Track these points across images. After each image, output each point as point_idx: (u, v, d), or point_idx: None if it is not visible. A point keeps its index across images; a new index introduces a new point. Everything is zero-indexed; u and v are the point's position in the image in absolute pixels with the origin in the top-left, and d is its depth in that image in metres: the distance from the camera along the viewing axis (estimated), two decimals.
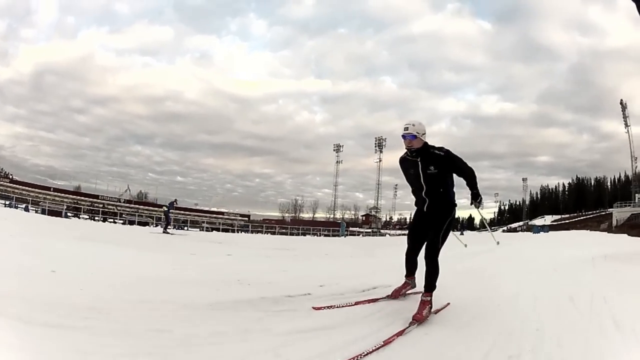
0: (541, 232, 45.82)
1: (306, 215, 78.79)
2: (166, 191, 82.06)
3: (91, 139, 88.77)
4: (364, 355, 3.24)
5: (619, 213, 54.10)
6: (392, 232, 61.66)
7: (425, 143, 4.48)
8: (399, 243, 6.96)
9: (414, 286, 4.91)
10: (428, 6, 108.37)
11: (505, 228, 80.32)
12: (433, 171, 4.41)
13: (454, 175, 4.59)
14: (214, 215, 64.12)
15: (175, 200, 24.24)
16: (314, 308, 4.34)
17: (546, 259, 10.87)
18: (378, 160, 70.48)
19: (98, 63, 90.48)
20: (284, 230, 49.61)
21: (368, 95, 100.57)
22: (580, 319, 4.32)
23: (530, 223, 76.76)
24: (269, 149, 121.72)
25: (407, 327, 3.93)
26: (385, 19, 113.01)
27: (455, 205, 4.61)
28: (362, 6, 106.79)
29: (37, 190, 57.01)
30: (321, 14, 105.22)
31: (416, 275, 4.84)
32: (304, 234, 46.52)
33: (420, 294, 4.37)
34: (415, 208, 4.73)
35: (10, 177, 61.06)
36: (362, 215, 77.54)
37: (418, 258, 4.73)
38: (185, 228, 40.57)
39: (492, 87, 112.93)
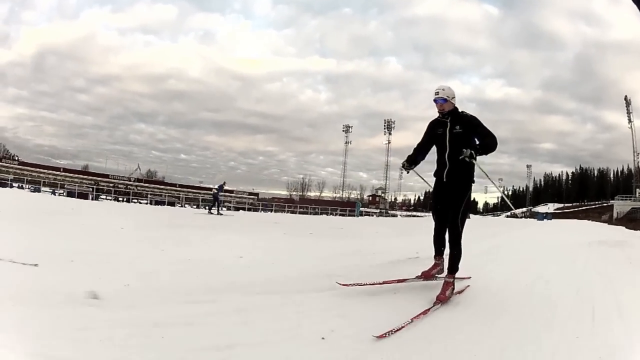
0: (544, 220, 48.39)
1: (312, 194, 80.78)
2: (174, 169, 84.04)
3: (93, 118, 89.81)
4: (394, 332, 3.62)
5: (620, 206, 56.61)
6: (400, 212, 63.98)
7: (456, 107, 4.88)
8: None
9: (443, 269, 5.06)
10: None
11: (508, 214, 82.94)
12: (458, 130, 4.73)
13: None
14: (225, 194, 65.45)
15: (224, 183, 26.20)
16: (340, 284, 4.73)
17: (553, 242, 13.46)
18: (387, 142, 72.37)
19: (100, 43, 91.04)
20: (294, 210, 51.21)
21: (372, 75, 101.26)
22: (577, 274, 6.95)
23: (533, 210, 79.80)
24: (272, 127, 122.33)
25: (431, 307, 4.31)
26: (389, 0, 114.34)
27: (473, 181, 4.88)
28: None
29: (46, 171, 58.65)
30: None
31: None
32: (318, 214, 48.37)
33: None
34: (434, 179, 4.98)
35: (17, 158, 62.25)
36: (369, 196, 79.73)
37: (446, 236, 4.91)
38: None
39: (496, 71, 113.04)
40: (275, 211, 47.41)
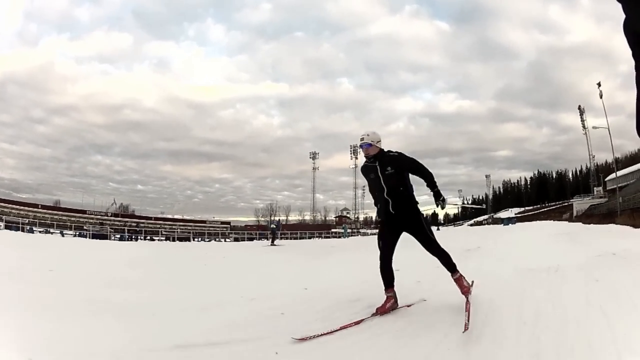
0: (509, 224, 53.83)
1: (279, 218, 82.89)
2: (132, 200, 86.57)
3: (52, 150, 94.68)
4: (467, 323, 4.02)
5: (579, 204, 62.69)
6: (370, 231, 67.97)
7: (381, 149, 5.17)
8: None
9: (396, 300, 5.10)
10: (385, 8, 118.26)
11: (472, 222, 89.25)
12: (390, 171, 5.00)
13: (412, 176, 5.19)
14: (198, 225, 68.81)
15: (279, 220, 30.47)
16: (296, 339, 3.86)
17: (524, 241, 18.21)
18: (354, 166, 77.42)
19: (58, 71, 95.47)
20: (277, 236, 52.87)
21: (325, 97, 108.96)
22: (541, 252, 11.40)
23: (495, 216, 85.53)
24: (227, 154, 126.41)
25: (467, 302, 4.72)
26: (341, 23, 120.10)
27: (417, 202, 5.17)
28: (319, 11, 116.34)
29: (25, 208, 60.06)
30: (278, 18, 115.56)
31: (396, 286, 5.10)
32: (305, 238, 51.30)
33: (451, 277, 5.04)
34: (382, 214, 5.14)
35: None
36: (336, 217, 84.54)
37: (392, 266, 5.09)
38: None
39: (449, 85, 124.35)
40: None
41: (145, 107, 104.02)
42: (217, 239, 47.94)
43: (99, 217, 65.32)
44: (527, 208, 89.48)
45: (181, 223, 68.59)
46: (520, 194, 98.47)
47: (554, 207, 79.83)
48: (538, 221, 51.45)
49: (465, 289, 4.99)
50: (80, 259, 12.60)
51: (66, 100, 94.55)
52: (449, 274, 5.06)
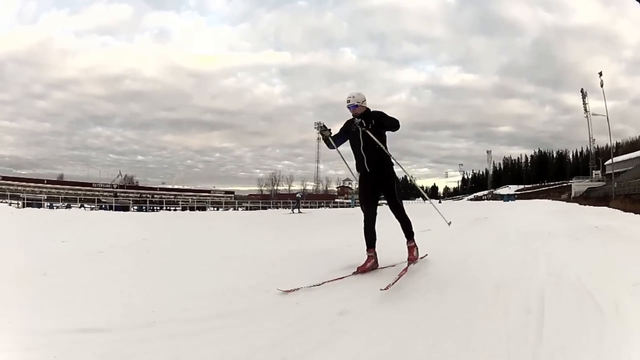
0: (509, 201, 56.57)
1: (281, 188, 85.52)
2: (132, 172, 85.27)
3: (52, 124, 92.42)
4: (392, 285, 4.44)
5: (577, 186, 65.31)
6: None
7: (367, 108, 5.71)
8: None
9: (376, 262, 5.58)
10: None
11: (472, 196, 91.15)
12: (370, 126, 5.53)
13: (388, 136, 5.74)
14: (203, 194, 70.42)
15: (305, 190, 33.23)
16: (282, 290, 4.49)
17: (524, 214, 20.88)
18: None
19: (57, 46, 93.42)
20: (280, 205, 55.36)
21: (327, 66, 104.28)
22: (540, 225, 14.00)
23: (495, 192, 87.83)
24: (228, 123, 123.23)
25: (407, 267, 5.33)
26: None
27: (392, 163, 5.74)
28: None
29: (31, 184, 60.82)
30: None
31: (377, 247, 5.59)
32: (316, 207, 53.40)
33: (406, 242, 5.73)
34: (358, 173, 5.79)
35: None
36: (338, 187, 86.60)
37: (376, 227, 5.58)
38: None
39: (452, 58, 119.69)
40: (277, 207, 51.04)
41: (146, 76, 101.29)
42: (234, 208, 50.29)
43: (106, 189, 66.52)
44: (526, 186, 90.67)
45: (186, 193, 69.96)
46: (520, 172, 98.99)
47: (553, 186, 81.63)
48: (537, 199, 53.51)
49: (412, 257, 5.60)
50: (162, 229, 14.34)
51: (66, 74, 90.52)
52: (405, 237, 5.72)
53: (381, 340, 3.30)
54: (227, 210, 46.76)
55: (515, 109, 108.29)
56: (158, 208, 43.89)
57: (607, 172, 61.48)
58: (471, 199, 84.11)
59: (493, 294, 4.40)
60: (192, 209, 45.23)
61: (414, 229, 5.74)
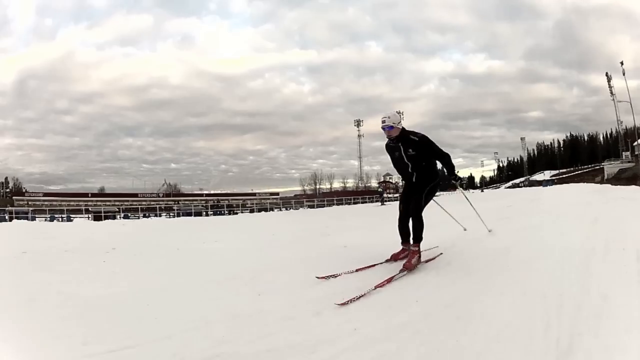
0: (548, 185, 60.88)
1: (323, 187, 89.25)
2: (182, 180, 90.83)
3: (81, 138, 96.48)
4: (357, 299, 4.53)
5: (609, 168, 69.06)
6: None
7: (403, 129, 5.84)
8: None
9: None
10: None
11: (509, 184, 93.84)
12: (412, 153, 5.74)
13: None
14: (249, 197, 73.79)
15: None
16: (317, 277, 5.50)
17: (566, 195, 26.28)
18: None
19: (79, 60, 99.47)
20: (331, 203, 55.68)
21: (354, 61, 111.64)
22: (584, 203, 19.64)
23: (531, 179, 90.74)
24: (259, 124, 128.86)
25: (396, 274, 5.29)
26: None
27: (439, 174, 6.03)
28: None
29: (76, 199, 64.56)
30: None
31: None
32: (359, 203, 55.30)
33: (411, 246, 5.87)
34: (404, 181, 6.20)
35: (25, 190, 67.64)
36: (379, 182, 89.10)
37: (409, 224, 5.93)
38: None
39: (478, 46, 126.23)
40: (327, 206, 51.56)
41: (173, 84, 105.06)
42: (295, 208, 53.35)
43: (152, 198, 69.88)
44: (561, 170, 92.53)
45: (232, 197, 72.34)
46: (554, 157, 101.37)
47: (586, 170, 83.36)
48: (572, 183, 56.45)
49: (409, 265, 5.51)
50: (269, 230, 14.85)
51: (90, 87, 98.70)
52: (411, 239, 5.89)
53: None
54: (297, 209, 49.19)
55: (543, 93, 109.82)
56: (237, 212, 46.42)
57: (636, 153, 65.05)
58: (509, 187, 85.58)
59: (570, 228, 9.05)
60: (259, 210, 47.69)
61: (424, 234, 5.83)
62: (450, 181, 6.38)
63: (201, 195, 76.68)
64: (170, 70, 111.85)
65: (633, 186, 32.21)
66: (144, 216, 44.64)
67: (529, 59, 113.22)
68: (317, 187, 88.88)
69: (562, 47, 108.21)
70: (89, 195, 68.16)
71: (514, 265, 5.57)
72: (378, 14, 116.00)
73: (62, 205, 54.55)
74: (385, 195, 49.91)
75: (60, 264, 7.34)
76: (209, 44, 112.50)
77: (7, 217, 33.70)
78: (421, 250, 5.82)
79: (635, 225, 8.08)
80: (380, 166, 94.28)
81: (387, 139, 5.99)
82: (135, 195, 71.73)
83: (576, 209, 13.21)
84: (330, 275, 5.50)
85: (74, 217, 38.88)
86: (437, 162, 6.03)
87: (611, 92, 70.06)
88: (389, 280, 5.06)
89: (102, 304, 4.89)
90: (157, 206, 54.66)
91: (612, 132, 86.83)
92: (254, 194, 76.49)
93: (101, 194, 72.27)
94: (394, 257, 6.03)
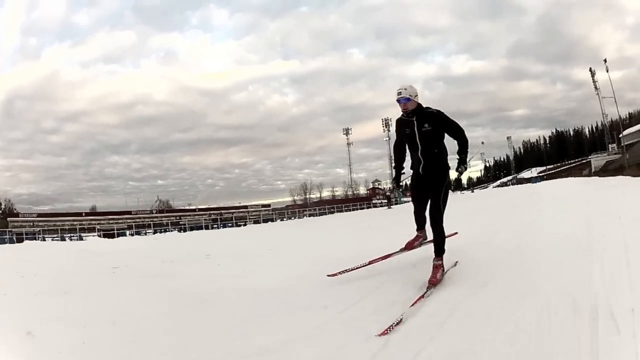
0: (537, 182, 62.82)
1: (312, 196, 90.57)
2: (152, 197, 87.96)
3: (68, 158, 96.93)
4: (395, 325, 3.99)
5: (596, 161, 71.52)
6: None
7: (419, 104, 5.37)
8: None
9: (425, 237, 5.88)
10: None
11: (497, 183, 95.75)
12: (427, 128, 5.24)
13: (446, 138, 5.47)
14: (242, 210, 74.51)
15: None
16: (328, 276, 5.62)
17: (557, 188, 28.37)
18: (387, 138, 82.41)
19: (64, 79, 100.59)
20: (324, 212, 56.93)
21: (337, 69, 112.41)
22: (574, 193, 21.67)
23: (518, 177, 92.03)
24: (244, 137, 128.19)
25: (425, 292, 4.84)
26: None
27: (449, 167, 5.48)
28: None
29: (70, 218, 64.01)
30: None
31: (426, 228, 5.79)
32: (353, 209, 57.45)
33: (432, 259, 5.32)
34: (412, 171, 5.64)
35: (16, 212, 66.76)
36: (368, 189, 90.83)
37: (426, 214, 5.64)
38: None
39: (460, 46, 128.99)
40: (318, 215, 53.19)
41: (157, 100, 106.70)
42: (299, 217, 54.93)
43: (146, 215, 70.05)
44: (548, 167, 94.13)
45: (225, 211, 73.22)
46: (540, 153, 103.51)
47: (573, 164, 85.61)
48: (560, 179, 58.63)
49: (434, 280, 5.09)
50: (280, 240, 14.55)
51: (76, 106, 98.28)
52: (434, 252, 5.33)
53: None
54: (301, 218, 51.13)
55: (527, 90, 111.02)
56: (242, 224, 48.13)
57: (622, 144, 66.52)
58: (497, 186, 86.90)
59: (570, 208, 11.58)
60: (264, 221, 49.29)
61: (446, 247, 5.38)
62: (459, 169, 5.56)
63: (194, 210, 75.76)
64: (155, 86, 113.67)
65: (619, 176, 34.38)
66: (154, 232, 46.34)
67: (511, 57, 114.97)
68: (308, 196, 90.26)
69: (545, 42, 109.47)
70: (83, 214, 68.71)
71: (535, 265, 5.42)
72: (359, 20, 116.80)
73: (56, 225, 56.35)
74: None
75: (190, 269, 8.78)
76: (192, 58, 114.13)
77: (14, 238, 35.06)
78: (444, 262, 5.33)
79: (619, 202, 10.41)
80: (366, 173, 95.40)
81: (400, 113, 5.53)
82: (129, 212, 71.92)
83: (572, 197, 15.39)
84: (343, 271, 5.74)
85: (85, 236, 40.58)
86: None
87: (595, 87, 71.40)
88: (421, 298, 4.70)
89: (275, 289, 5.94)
90: (164, 222, 57.16)
91: (597, 125, 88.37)
92: (246, 207, 77.30)
93: (95, 212, 71.75)
94: (409, 246, 5.93)
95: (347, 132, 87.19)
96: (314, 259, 7.93)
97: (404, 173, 5.88)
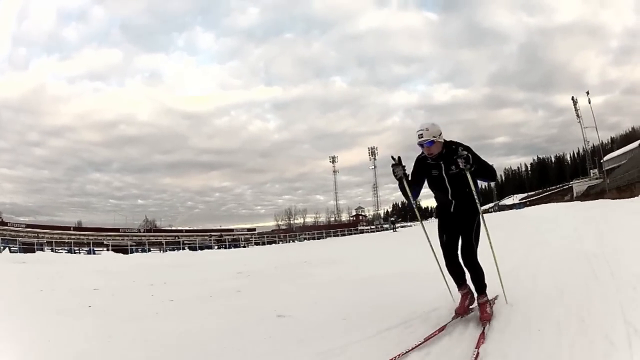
0: (521, 208, 65.07)
1: (299, 221, 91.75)
2: (133, 215, 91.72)
3: (50, 171, 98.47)
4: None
5: (578, 186, 74.52)
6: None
7: (445, 142, 4.84)
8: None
9: (473, 296, 5.13)
10: (372, 1, 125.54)
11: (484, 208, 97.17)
12: (455, 171, 4.75)
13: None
14: (226, 232, 72.82)
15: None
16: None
17: (542, 211, 30.97)
18: (372, 167, 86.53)
19: (50, 93, 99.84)
20: (314, 237, 59.77)
21: (319, 96, 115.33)
22: (559, 216, 24.16)
23: (500, 203, 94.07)
24: (225, 162, 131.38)
25: (484, 329, 4.49)
26: (330, 19, 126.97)
27: (480, 203, 4.92)
28: (306, 9, 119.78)
29: (57, 231, 63.41)
30: (266, 20, 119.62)
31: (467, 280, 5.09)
32: (344, 235, 59.61)
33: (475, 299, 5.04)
34: (439, 211, 5.18)
35: (3, 221, 65.59)
36: (352, 216, 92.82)
37: (461, 262, 4.95)
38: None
39: (442, 75, 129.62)
40: (307, 239, 55.85)
41: (140, 121, 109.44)
42: (302, 240, 56.56)
43: (134, 234, 69.59)
44: (529, 193, 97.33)
45: (211, 233, 72.15)
46: (522, 180, 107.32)
47: (555, 190, 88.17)
48: (542, 204, 61.32)
49: (487, 315, 4.81)
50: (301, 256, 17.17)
51: (61, 121, 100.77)
52: (475, 292, 5.02)
53: None
54: (301, 241, 52.84)
55: (508, 117, 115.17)
56: (244, 245, 50.25)
57: (604, 169, 69.04)
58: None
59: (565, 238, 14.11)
60: (266, 243, 51.65)
61: (486, 281, 4.98)
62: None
63: (180, 231, 76.55)
64: (138, 106, 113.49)
65: (599, 200, 36.97)
66: (163, 250, 47.11)
67: (493, 85, 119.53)
68: (292, 222, 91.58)
69: (527, 70, 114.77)
70: (71, 228, 68.44)
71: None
72: (343, 48, 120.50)
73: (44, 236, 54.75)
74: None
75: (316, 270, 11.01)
76: (176, 80, 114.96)
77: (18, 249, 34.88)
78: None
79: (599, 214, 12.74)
80: (346, 200, 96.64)
81: (422, 155, 5.00)
82: (117, 230, 71.87)
83: (559, 218, 17.89)
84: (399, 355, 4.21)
85: (98, 251, 41.15)
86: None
87: (577, 115, 74.70)
88: (482, 337, 4.31)
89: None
90: (161, 241, 57.05)
91: (579, 150, 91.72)
92: (232, 230, 77.98)
93: (83, 227, 71.30)
94: (461, 312, 5.03)
95: (333, 159, 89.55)
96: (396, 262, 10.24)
97: (404, 174, 5.02)
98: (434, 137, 4.74)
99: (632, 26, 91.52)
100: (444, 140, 4.88)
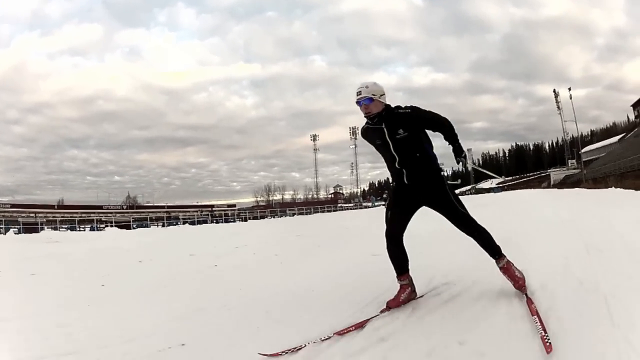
0: (498, 192, 67.18)
1: (276, 198, 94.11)
2: (109, 192, 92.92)
3: (28, 149, 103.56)
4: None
5: (555, 174, 77.82)
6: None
7: (387, 105, 4.27)
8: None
9: (414, 289, 4.43)
10: None
11: (457, 192, 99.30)
12: (403, 134, 4.15)
13: (430, 133, 4.34)
14: (207, 209, 75.89)
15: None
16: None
17: (521, 195, 32.88)
18: (353, 146, 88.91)
19: (31, 70, 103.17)
20: (294, 213, 61.56)
21: (298, 75, 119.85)
22: (534, 201, 26.07)
23: (477, 187, 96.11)
24: (202, 138, 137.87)
25: (528, 300, 3.89)
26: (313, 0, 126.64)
27: (441, 170, 4.39)
28: None
29: (44, 210, 65.41)
30: None
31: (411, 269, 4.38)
32: (328, 211, 59.59)
33: (494, 263, 4.23)
34: (394, 183, 4.41)
35: None
36: (330, 194, 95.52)
37: (405, 246, 4.32)
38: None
39: (423, 59, 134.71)
40: (305, 214, 56.95)
41: (118, 96, 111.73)
42: (292, 215, 58.45)
43: (117, 210, 72.35)
44: (506, 178, 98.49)
45: (192, 209, 75.32)
46: (499, 165, 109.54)
47: (532, 177, 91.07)
48: (519, 190, 62.13)
49: (519, 280, 4.18)
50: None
51: (40, 98, 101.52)
52: (492, 260, 4.28)
53: None
54: (292, 216, 53.76)
55: (487, 104, 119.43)
56: (240, 219, 51.56)
57: (583, 160, 71.34)
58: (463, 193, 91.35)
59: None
60: (255, 218, 53.55)
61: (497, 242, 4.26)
62: (459, 162, 4.43)
63: (163, 207, 77.86)
64: (117, 82, 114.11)
65: (576, 188, 39.23)
66: (163, 225, 48.89)
67: (474, 72, 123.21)
68: (271, 198, 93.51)
69: (509, 60, 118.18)
70: (55, 207, 70.05)
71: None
72: (324, 28, 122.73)
73: (30, 215, 57.51)
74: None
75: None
76: (156, 56, 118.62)
77: (19, 229, 36.40)
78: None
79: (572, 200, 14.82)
80: (322, 178, 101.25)
81: (365, 122, 4.40)
82: (100, 207, 74.04)
83: (535, 202, 19.77)
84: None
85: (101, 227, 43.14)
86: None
87: (558, 107, 77.48)
88: (530, 301, 3.90)
89: None
90: (150, 217, 59.44)
91: (558, 140, 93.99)
92: (212, 206, 79.39)
93: (67, 205, 73.43)
94: (393, 305, 4.27)
95: (314, 138, 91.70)
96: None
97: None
98: (373, 95, 4.20)
99: (621, 26, 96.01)
100: (386, 103, 4.28)
